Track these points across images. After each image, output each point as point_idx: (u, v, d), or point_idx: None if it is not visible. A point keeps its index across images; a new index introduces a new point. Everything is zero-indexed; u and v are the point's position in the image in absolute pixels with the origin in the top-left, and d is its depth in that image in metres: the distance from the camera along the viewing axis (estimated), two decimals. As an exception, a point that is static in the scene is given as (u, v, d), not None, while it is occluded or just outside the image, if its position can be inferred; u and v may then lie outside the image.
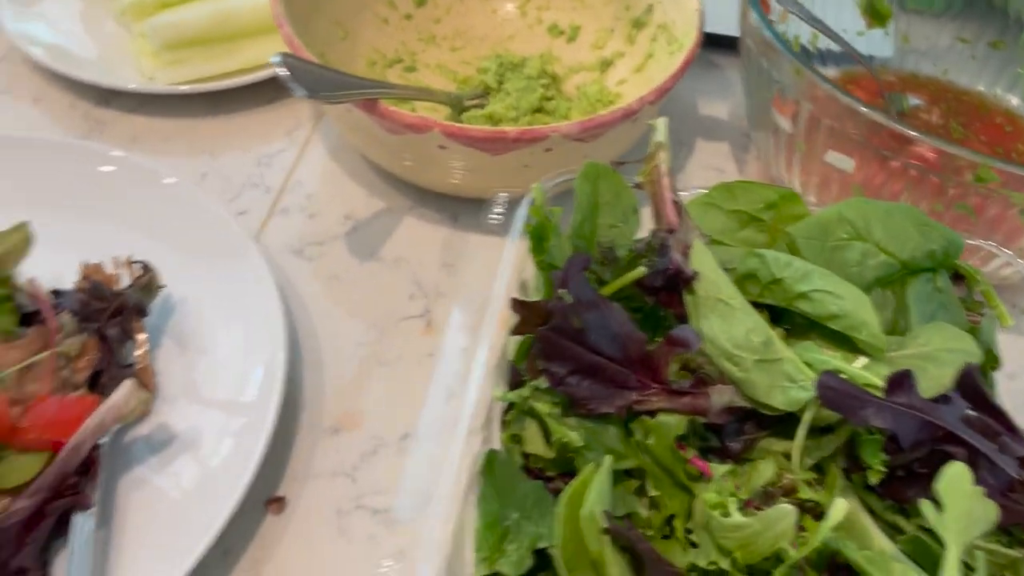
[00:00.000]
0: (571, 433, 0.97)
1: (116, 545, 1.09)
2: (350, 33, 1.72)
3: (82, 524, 1.07)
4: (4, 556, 1.02)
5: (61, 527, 1.08)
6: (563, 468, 1.00)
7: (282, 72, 1.23)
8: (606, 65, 1.79)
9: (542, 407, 1.00)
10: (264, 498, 1.19)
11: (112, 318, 1.25)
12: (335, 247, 1.54)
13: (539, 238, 1.08)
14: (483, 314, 1.08)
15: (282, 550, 1.16)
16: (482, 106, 1.68)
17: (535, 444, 1.01)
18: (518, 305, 1.02)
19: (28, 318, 1.21)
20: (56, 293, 1.26)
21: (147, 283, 1.29)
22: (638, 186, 1.15)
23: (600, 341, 0.99)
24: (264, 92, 1.78)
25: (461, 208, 1.60)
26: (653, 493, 0.98)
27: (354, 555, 1.16)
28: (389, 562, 1.13)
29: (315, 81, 1.27)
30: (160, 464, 1.17)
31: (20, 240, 1.19)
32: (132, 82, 1.69)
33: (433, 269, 1.51)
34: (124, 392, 1.10)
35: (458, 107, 1.66)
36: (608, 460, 0.93)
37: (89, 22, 1.83)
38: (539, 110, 1.69)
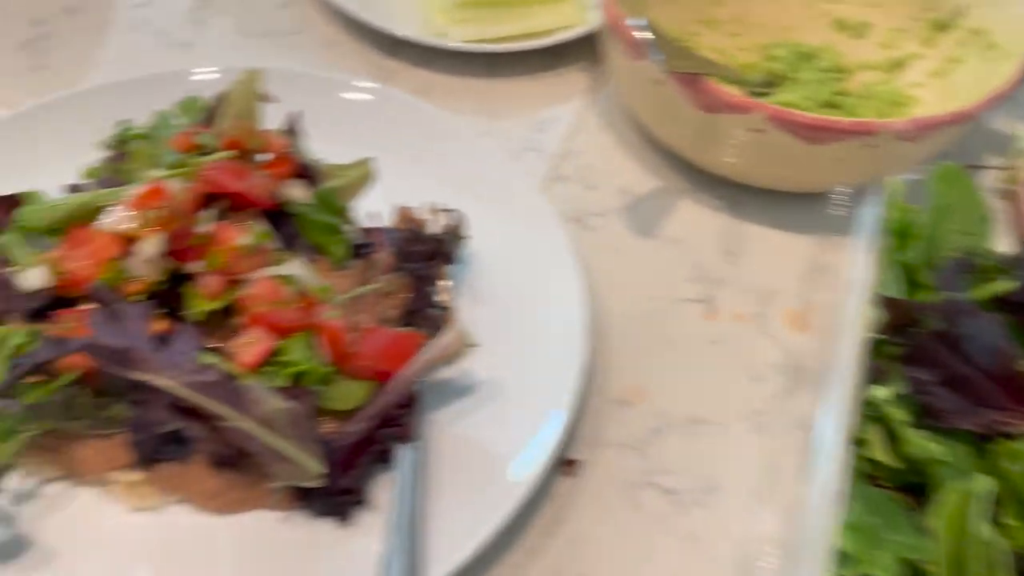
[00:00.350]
0: (932, 446, 0.93)
1: (427, 484, 1.11)
2: (636, 6, 1.70)
3: (406, 455, 1.10)
4: (334, 474, 1.06)
5: (379, 457, 1.12)
6: (904, 480, 0.97)
7: (645, 36, 1.23)
8: (895, 66, 1.71)
9: (895, 414, 0.96)
10: (558, 459, 1.20)
11: (426, 260, 1.27)
12: (613, 220, 1.53)
13: (901, 235, 1.04)
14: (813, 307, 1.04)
15: (576, 513, 1.17)
16: (765, 94, 1.64)
17: (881, 451, 0.97)
18: (888, 304, 0.98)
19: (354, 250, 1.25)
20: (380, 230, 1.29)
21: (457, 231, 1.31)
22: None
23: (974, 352, 0.94)
24: (542, 59, 1.79)
25: (740, 195, 1.56)
26: (1008, 521, 0.93)
27: (647, 529, 1.15)
28: (769, 554, 1.11)
29: (663, 49, 1.25)
30: (464, 411, 1.19)
31: (362, 175, 1.23)
32: (418, 35, 1.73)
33: (712, 254, 1.49)
34: (453, 335, 1.12)
35: (745, 91, 1.62)
36: (985, 481, 0.88)
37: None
38: (828, 104, 1.63)
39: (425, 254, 1.28)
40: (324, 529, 1.08)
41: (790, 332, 1.38)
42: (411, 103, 1.51)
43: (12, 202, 1.15)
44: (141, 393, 0.98)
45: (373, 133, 1.46)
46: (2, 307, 1.11)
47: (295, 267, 1.14)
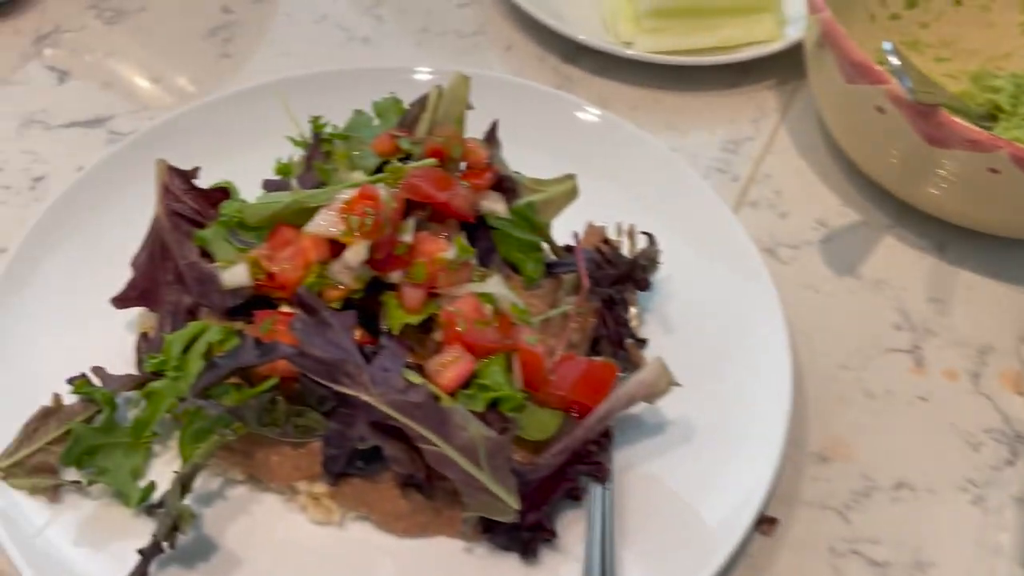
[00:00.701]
0: None
1: (619, 527, 1.04)
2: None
3: (599, 495, 1.04)
4: (525, 507, 1.00)
5: (569, 493, 1.05)
6: None
7: (894, 61, 1.13)
8: None
9: None
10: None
11: (615, 284, 1.21)
12: (808, 253, 1.43)
13: None
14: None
15: (774, 574, 1.08)
16: (987, 128, 1.50)
17: None
18: None
19: (546, 269, 1.19)
20: (567, 249, 1.23)
21: (651, 256, 1.23)
22: None
23: None
24: (731, 74, 1.70)
25: (949, 236, 1.44)
26: None
27: (852, 601, 1.06)
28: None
29: (911, 76, 1.15)
30: (654, 451, 1.12)
31: (565, 191, 1.17)
32: (602, 43, 1.66)
33: (919, 301, 1.37)
34: (656, 371, 1.05)
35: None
36: None
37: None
38: (1055, 146, 1.49)
39: (615, 278, 1.21)
40: (507, 564, 1.03)
41: (1010, 395, 1.25)
42: (603, 116, 1.44)
43: (218, 195, 1.14)
44: (342, 406, 0.95)
45: (559, 144, 1.40)
46: (202, 301, 1.10)
47: (496, 285, 1.08)
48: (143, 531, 0.97)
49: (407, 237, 1.07)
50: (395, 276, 1.07)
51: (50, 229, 1.24)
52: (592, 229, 1.27)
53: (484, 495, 0.97)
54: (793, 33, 1.69)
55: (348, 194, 1.04)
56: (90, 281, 1.20)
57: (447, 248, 1.07)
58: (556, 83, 1.67)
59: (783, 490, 1.15)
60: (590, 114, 1.46)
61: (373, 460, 1.01)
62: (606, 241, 1.25)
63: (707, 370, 1.18)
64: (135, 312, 1.19)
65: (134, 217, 1.18)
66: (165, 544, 0.94)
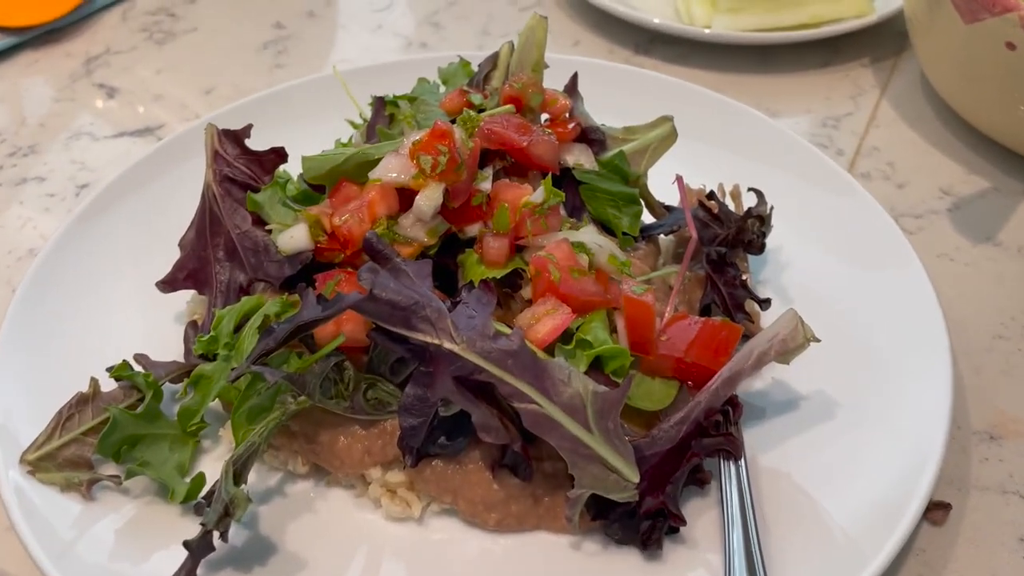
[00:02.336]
0: None
1: (758, 517, 0.86)
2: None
3: (736, 475, 0.86)
4: (643, 489, 0.82)
5: (692, 475, 0.87)
6: None
7: None
8: None
9: None
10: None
11: (725, 246, 1.05)
12: (936, 222, 1.26)
13: None
14: None
15: (952, 571, 0.87)
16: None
17: None
18: None
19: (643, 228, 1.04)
20: (667, 208, 1.08)
21: (762, 215, 1.07)
22: None
23: None
24: (817, 54, 1.56)
25: (1094, 197, 1.26)
26: None
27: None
28: None
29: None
30: (790, 430, 0.94)
31: (662, 136, 1.03)
32: (680, 27, 1.54)
33: (1074, 265, 1.18)
34: (790, 322, 0.87)
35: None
36: None
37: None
38: None
39: (723, 239, 1.05)
40: (626, 561, 0.84)
41: None
42: (686, 87, 1.32)
43: (273, 159, 1.02)
44: (421, 363, 0.79)
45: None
46: (256, 274, 0.97)
47: (591, 234, 0.93)
48: (190, 533, 0.81)
49: (485, 185, 0.93)
50: (473, 230, 0.93)
51: (91, 222, 1.13)
52: (699, 191, 1.12)
53: (595, 466, 0.79)
54: (883, 7, 1.56)
55: (418, 135, 0.91)
56: (135, 271, 1.08)
57: (532, 194, 0.92)
58: (631, 74, 1.55)
59: (949, 474, 0.95)
60: (679, 87, 1.33)
61: (458, 434, 0.84)
62: (711, 197, 1.09)
63: (842, 343, 1.00)
64: (182, 304, 1.06)
65: (180, 208, 1.06)
66: (216, 535, 0.78)
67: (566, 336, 0.85)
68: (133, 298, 1.06)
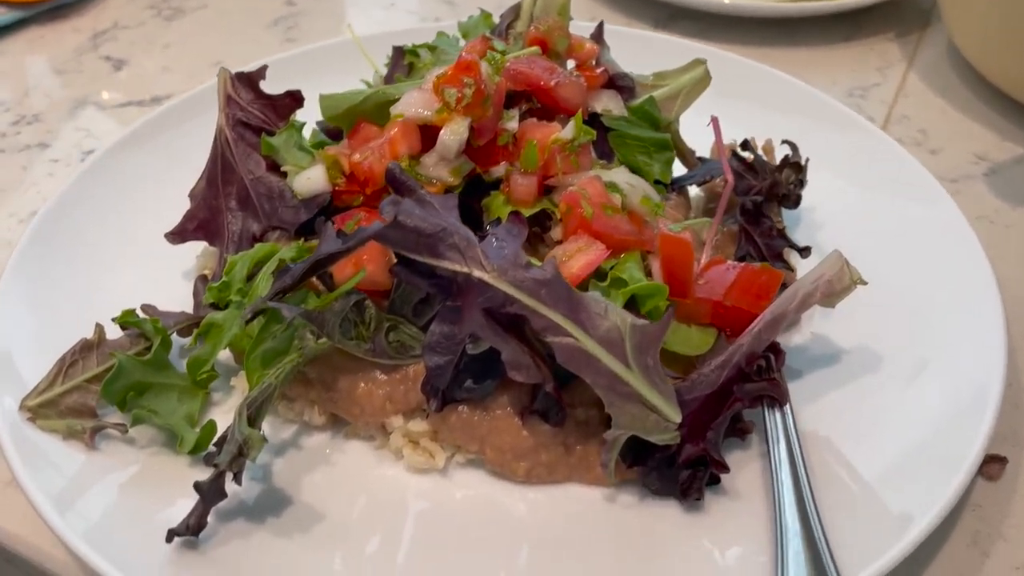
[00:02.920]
0: None
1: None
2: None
3: (783, 423, 0.80)
4: (683, 436, 0.77)
5: (733, 425, 0.82)
6: None
7: None
8: None
9: None
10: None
11: (760, 197, 1.00)
12: (973, 186, 1.22)
13: None
14: None
15: (1011, 530, 0.82)
16: None
17: None
18: None
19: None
20: (700, 160, 1.04)
21: (798, 167, 1.03)
22: None
23: None
24: (840, 28, 1.53)
25: None
26: None
27: None
28: None
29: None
30: (832, 381, 0.89)
31: (694, 80, 0.98)
32: (701, 3, 1.51)
33: (1117, 227, 1.13)
34: (835, 263, 0.83)
35: None
36: None
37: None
38: None
39: (759, 190, 1.00)
40: (664, 515, 0.79)
41: None
42: (725, 54, 1.28)
43: (289, 103, 0.98)
44: (448, 297, 0.74)
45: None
46: (271, 221, 0.92)
47: (623, 174, 0.89)
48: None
49: (512, 125, 0.89)
50: (499, 170, 0.88)
51: (98, 177, 1.08)
52: (731, 145, 1.07)
53: (633, 405, 0.74)
54: (909, -20, 1.53)
55: (443, 69, 0.87)
56: (143, 225, 1.03)
57: (564, 130, 0.88)
58: (650, 49, 1.51)
59: (1003, 431, 0.90)
60: (705, 51, 1.29)
61: (486, 377, 0.79)
62: (744, 147, 1.05)
63: (886, 297, 0.95)
64: (191, 260, 1.02)
65: (190, 165, 1.01)
66: (229, 478, 0.73)
67: (599, 275, 0.81)
68: (142, 253, 1.01)
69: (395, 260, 0.76)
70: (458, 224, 0.74)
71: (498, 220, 0.83)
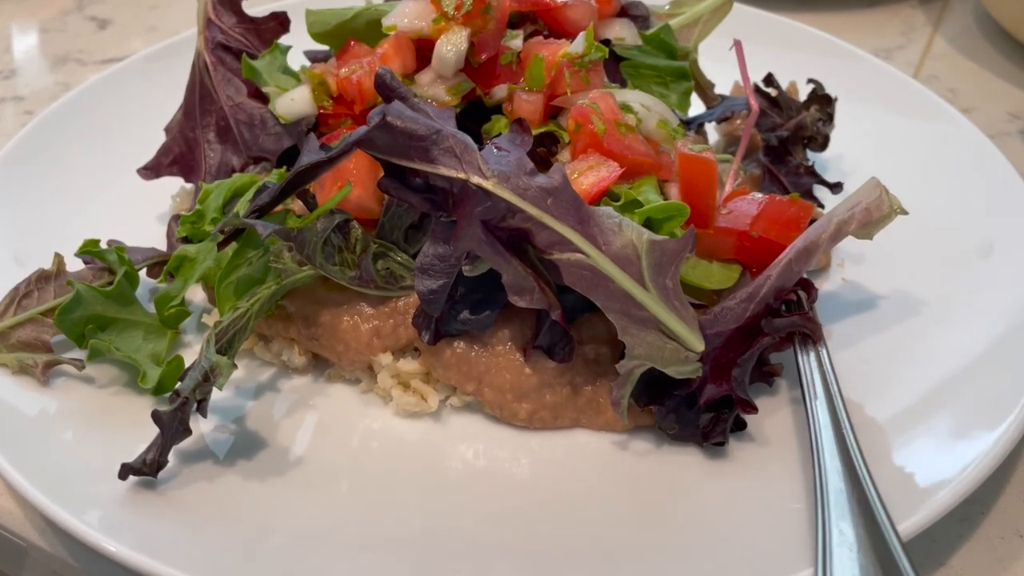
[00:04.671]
0: None
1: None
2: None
3: (814, 360, 0.72)
4: (706, 374, 0.68)
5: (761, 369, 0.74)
6: None
7: None
8: None
9: None
10: None
11: (785, 135, 0.92)
12: (1009, 143, 1.15)
13: None
14: None
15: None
16: None
17: None
18: None
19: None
20: (720, 97, 0.96)
21: (824, 105, 0.95)
22: None
23: None
24: (859, -3, 1.48)
25: None
26: None
27: None
28: None
29: None
30: (866, 325, 0.81)
31: (714, 5, 0.91)
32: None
33: None
34: (873, 189, 0.74)
35: None
36: None
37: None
38: None
39: (784, 127, 0.92)
40: (683, 464, 0.70)
41: None
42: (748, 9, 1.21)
43: (273, 26, 0.90)
44: (443, 212, 0.66)
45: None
46: (252, 150, 0.84)
47: (637, 95, 0.81)
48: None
49: (515, 43, 0.82)
50: (501, 91, 0.80)
51: (71, 113, 1.01)
52: (737, 87, 1.00)
53: (650, 332, 0.65)
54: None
55: (440, -23, 0.80)
56: (117, 162, 0.96)
57: (574, 44, 0.80)
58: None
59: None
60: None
61: (485, 307, 0.71)
62: (768, 82, 0.97)
63: (916, 241, 0.87)
64: (165, 203, 0.94)
65: (168, 108, 0.94)
66: (194, 408, 0.65)
67: (612, 197, 0.72)
68: (113, 193, 0.94)
69: (384, 175, 0.68)
70: (454, 129, 0.66)
71: (500, 136, 0.75)
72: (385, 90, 0.70)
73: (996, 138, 1.16)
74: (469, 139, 0.66)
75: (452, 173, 0.64)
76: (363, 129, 0.65)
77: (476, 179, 0.64)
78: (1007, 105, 1.22)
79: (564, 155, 0.78)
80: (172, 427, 0.64)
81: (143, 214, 0.93)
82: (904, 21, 1.42)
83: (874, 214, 0.75)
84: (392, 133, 0.65)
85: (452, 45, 0.77)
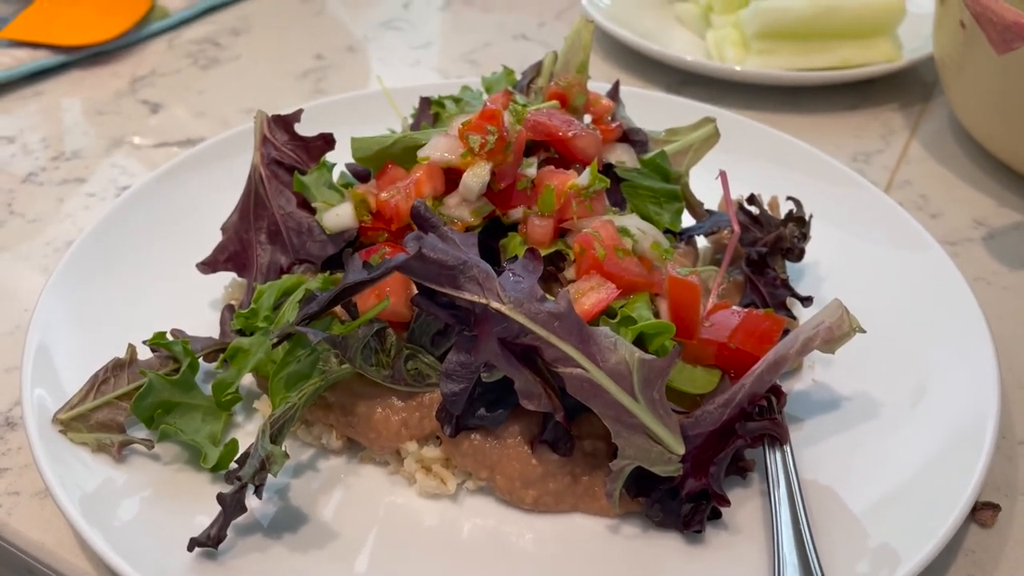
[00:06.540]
0: None
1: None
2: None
3: (783, 461, 0.84)
4: (686, 470, 0.80)
5: (735, 462, 0.85)
6: None
7: None
8: None
9: None
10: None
11: (764, 248, 1.05)
12: (972, 249, 1.27)
13: None
14: None
15: (1003, 572, 0.84)
16: None
17: None
18: None
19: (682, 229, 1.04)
20: (708, 212, 1.09)
21: (801, 222, 1.08)
22: None
23: None
24: (846, 97, 1.60)
25: None
26: None
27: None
28: None
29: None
30: (830, 426, 0.92)
31: (704, 136, 1.04)
32: (713, 65, 1.58)
33: (1112, 291, 1.17)
34: (835, 310, 0.87)
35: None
36: None
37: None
38: None
39: (764, 242, 1.05)
40: (666, 546, 0.82)
41: None
42: (734, 116, 1.35)
43: (321, 145, 1.03)
44: (466, 327, 0.78)
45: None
46: (299, 254, 0.97)
47: (634, 220, 0.94)
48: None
49: (531, 171, 0.95)
50: (517, 214, 0.93)
51: (133, 210, 1.14)
52: (746, 197, 1.12)
53: (639, 436, 0.77)
54: (911, 54, 1.60)
55: (467, 117, 0.93)
56: (175, 256, 1.08)
57: (580, 176, 0.93)
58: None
59: (996, 480, 0.93)
60: (715, 112, 1.35)
61: (499, 406, 0.83)
62: (751, 201, 1.09)
63: (884, 350, 0.99)
64: (219, 291, 1.06)
65: (222, 203, 1.07)
66: (250, 491, 0.77)
67: (609, 314, 0.85)
68: (173, 282, 1.06)
69: (416, 292, 0.80)
70: (478, 259, 0.79)
71: (515, 258, 0.87)
72: (420, 220, 0.83)
73: (959, 244, 1.29)
74: (490, 269, 0.78)
75: (475, 298, 0.77)
76: (401, 256, 0.78)
77: (495, 304, 0.76)
78: (972, 211, 1.34)
79: (570, 272, 0.90)
80: (232, 506, 0.76)
81: (198, 303, 1.05)
82: (884, 124, 1.55)
83: (835, 332, 0.87)
84: (426, 262, 0.77)
85: (476, 177, 0.90)
